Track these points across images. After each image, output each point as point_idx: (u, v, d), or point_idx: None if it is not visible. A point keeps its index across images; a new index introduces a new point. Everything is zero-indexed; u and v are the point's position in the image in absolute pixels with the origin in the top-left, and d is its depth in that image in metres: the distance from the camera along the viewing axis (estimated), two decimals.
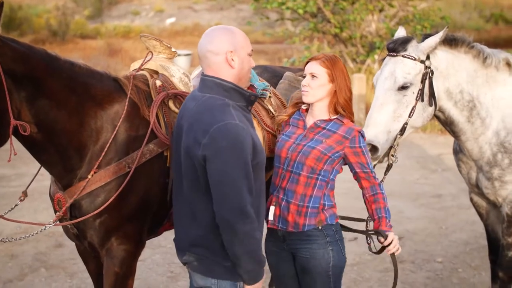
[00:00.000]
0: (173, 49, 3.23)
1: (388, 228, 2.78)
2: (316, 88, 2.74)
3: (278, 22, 16.17)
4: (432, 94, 3.11)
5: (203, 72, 2.50)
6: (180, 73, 3.15)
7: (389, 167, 3.17)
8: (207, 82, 2.44)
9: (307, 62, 2.81)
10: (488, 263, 3.91)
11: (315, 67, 2.76)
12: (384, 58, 3.22)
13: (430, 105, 3.12)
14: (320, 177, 2.74)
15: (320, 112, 2.80)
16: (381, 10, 13.28)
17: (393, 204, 6.45)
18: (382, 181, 3.14)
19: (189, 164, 2.38)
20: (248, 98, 2.47)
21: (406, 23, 13.51)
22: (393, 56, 3.12)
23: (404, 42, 3.11)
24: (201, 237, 2.43)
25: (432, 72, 3.09)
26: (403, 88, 3.05)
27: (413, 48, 3.10)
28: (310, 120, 2.83)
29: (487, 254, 3.89)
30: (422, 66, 3.08)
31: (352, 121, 2.83)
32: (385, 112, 3.04)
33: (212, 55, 2.43)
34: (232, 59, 2.43)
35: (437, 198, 6.85)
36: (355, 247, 5.19)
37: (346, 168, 2.85)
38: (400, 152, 10.35)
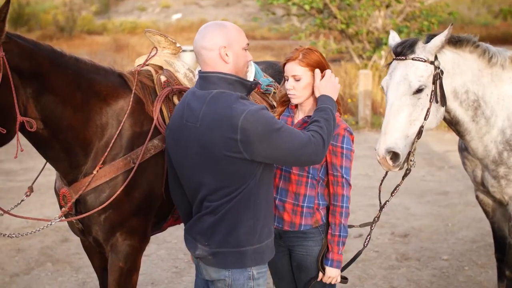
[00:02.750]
0: (178, 45, 3.23)
1: (339, 256, 2.74)
2: (302, 89, 2.70)
3: (284, 18, 16.16)
4: (443, 94, 3.08)
5: (200, 70, 2.51)
6: (185, 69, 3.15)
7: (408, 172, 3.11)
8: (210, 79, 2.44)
9: (285, 63, 2.75)
10: (495, 261, 3.89)
11: (296, 69, 2.69)
12: (391, 63, 3.15)
13: (442, 105, 3.09)
14: (309, 175, 2.72)
15: (311, 107, 2.74)
16: (388, 6, 13.22)
17: (399, 201, 6.46)
18: (399, 185, 3.12)
19: (207, 159, 2.40)
20: (249, 88, 2.50)
21: (413, 19, 13.47)
22: (402, 59, 3.07)
23: (411, 45, 3.06)
24: (215, 227, 2.46)
25: (442, 72, 3.06)
26: (418, 91, 3.01)
27: (420, 50, 3.05)
28: (299, 116, 2.79)
29: (493, 252, 3.87)
30: (432, 67, 3.04)
31: (340, 111, 2.78)
32: (401, 117, 2.98)
33: (206, 51, 2.44)
34: (226, 54, 2.43)
35: (443, 195, 6.82)
36: (359, 244, 5.17)
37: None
38: None
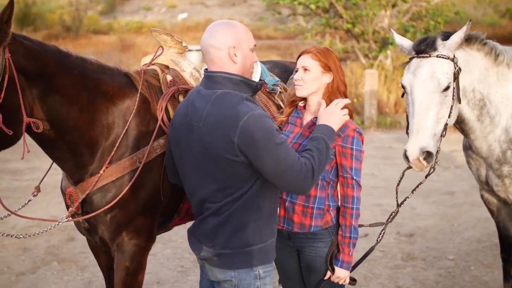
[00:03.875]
0: (184, 44, 3.23)
1: (349, 257, 2.73)
2: (309, 81, 2.69)
3: (290, 18, 16.14)
4: (459, 92, 3.06)
5: (206, 69, 2.51)
6: (191, 68, 3.15)
7: (432, 171, 3.09)
8: (215, 78, 2.43)
9: (299, 56, 2.76)
10: (501, 261, 3.87)
11: (307, 61, 2.70)
12: (409, 61, 3.10)
13: (459, 102, 3.08)
14: (320, 177, 2.69)
15: (317, 106, 2.73)
16: (394, 5, 13.19)
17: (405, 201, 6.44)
18: (421, 183, 3.13)
19: (208, 159, 2.39)
20: (255, 88, 2.48)
21: (419, 18, 13.43)
22: (426, 57, 3.02)
23: (433, 42, 3.03)
24: (218, 228, 2.45)
25: (460, 69, 3.04)
26: (446, 89, 2.98)
27: (441, 47, 3.03)
28: (308, 117, 2.78)
29: (499, 252, 3.86)
30: (453, 64, 3.02)
31: (350, 114, 2.76)
32: (430, 116, 2.95)
33: (215, 50, 2.43)
34: (235, 54, 2.42)
35: (449, 195, 6.81)
36: (365, 244, 5.17)
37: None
38: None
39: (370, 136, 10.09)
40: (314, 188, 2.70)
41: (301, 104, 2.82)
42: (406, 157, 2.94)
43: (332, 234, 2.75)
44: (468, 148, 3.55)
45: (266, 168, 2.33)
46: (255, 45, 2.51)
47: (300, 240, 2.78)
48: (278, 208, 2.74)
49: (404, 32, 12.27)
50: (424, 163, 2.92)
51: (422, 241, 5.42)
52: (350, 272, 2.79)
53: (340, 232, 2.73)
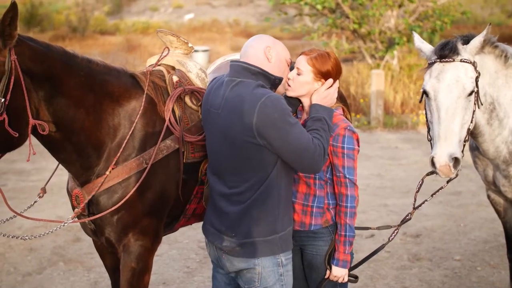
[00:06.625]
0: (190, 45, 3.23)
1: (345, 256, 2.72)
2: (299, 84, 2.68)
3: (296, 18, 16.14)
4: (479, 96, 3.04)
5: (231, 60, 2.65)
6: (197, 69, 3.15)
7: (456, 175, 3.05)
8: (235, 67, 2.56)
9: (300, 55, 2.75)
10: (508, 261, 3.85)
11: (302, 63, 2.68)
12: (430, 66, 3.06)
13: (478, 107, 3.06)
14: (317, 176, 2.71)
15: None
16: (400, 6, 13.15)
17: (410, 201, 6.41)
18: (442, 187, 3.13)
19: (228, 145, 2.51)
20: (273, 81, 2.58)
21: (425, 18, 13.39)
22: (450, 62, 2.99)
23: (455, 46, 3.00)
24: (240, 218, 2.54)
25: (479, 73, 3.02)
26: (470, 93, 2.96)
27: (463, 51, 3.00)
28: (304, 117, 2.77)
29: (506, 252, 3.84)
30: (474, 68, 3.00)
31: (349, 111, 2.75)
32: (456, 121, 2.93)
33: (252, 48, 2.59)
34: (270, 53, 2.57)
35: (456, 196, 6.78)
36: (371, 244, 5.16)
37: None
38: (418, 149, 10.16)
39: (376, 136, 10.06)
40: (313, 187, 2.74)
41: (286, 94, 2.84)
42: (433, 163, 2.91)
43: (332, 233, 2.77)
44: (475, 148, 3.54)
45: (283, 149, 2.45)
46: (292, 61, 2.65)
47: (302, 238, 2.80)
48: None
49: (410, 32, 12.23)
50: (452, 169, 2.90)
51: (428, 241, 5.40)
52: (353, 270, 2.80)
53: (337, 231, 2.75)
